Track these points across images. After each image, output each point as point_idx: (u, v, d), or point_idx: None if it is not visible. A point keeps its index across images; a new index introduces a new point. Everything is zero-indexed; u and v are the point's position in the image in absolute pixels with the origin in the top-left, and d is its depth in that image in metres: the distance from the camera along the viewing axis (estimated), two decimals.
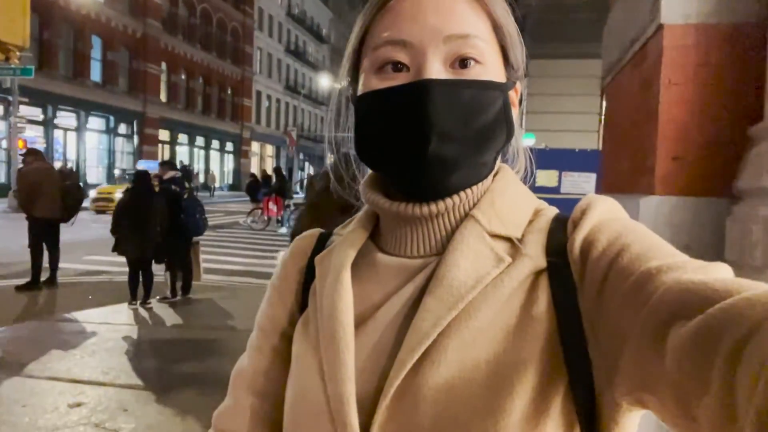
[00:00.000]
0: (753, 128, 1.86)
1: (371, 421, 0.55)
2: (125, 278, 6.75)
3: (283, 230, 15.37)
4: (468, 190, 0.61)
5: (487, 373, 0.52)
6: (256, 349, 0.72)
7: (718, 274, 0.46)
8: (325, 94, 45.48)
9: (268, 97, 44.12)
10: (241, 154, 39.48)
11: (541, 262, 0.56)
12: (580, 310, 0.53)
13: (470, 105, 0.58)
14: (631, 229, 0.53)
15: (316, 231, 0.75)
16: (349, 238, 0.66)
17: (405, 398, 0.53)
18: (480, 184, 0.62)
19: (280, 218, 16.11)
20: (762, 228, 1.67)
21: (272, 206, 16.05)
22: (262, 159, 42.58)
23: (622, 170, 2.60)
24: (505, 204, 0.61)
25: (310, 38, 50.84)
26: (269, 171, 20.13)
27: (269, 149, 44.54)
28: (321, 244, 0.72)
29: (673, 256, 0.49)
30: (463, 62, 0.58)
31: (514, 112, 0.66)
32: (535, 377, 0.51)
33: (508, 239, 0.58)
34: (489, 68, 0.60)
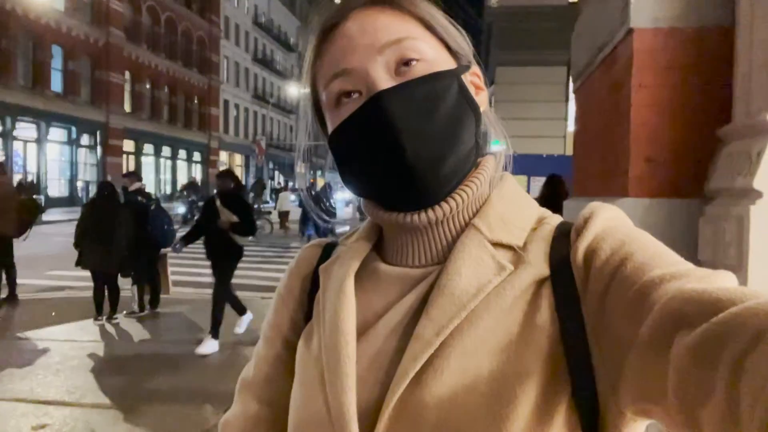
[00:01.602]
0: (722, 129, 1.89)
1: (373, 430, 0.54)
2: (90, 293, 6.56)
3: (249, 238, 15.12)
4: (463, 194, 0.61)
5: (489, 382, 0.52)
6: (262, 357, 0.72)
7: (722, 282, 0.46)
8: (293, 102, 45.21)
9: (236, 106, 43.64)
10: (209, 163, 38.85)
11: (544, 270, 0.56)
12: (583, 318, 0.53)
13: (427, 99, 0.58)
14: (635, 238, 0.53)
15: (323, 240, 0.76)
16: (352, 248, 0.67)
17: (407, 407, 0.53)
18: (474, 187, 0.62)
19: None
20: (735, 227, 1.69)
21: None
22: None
23: (593, 173, 2.62)
24: (507, 212, 0.61)
25: (278, 47, 50.64)
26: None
27: (238, 158, 44.03)
28: (327, 254, 0.72)
29: (677, 265, 0.49)
30: (405, 63, 0.59)
31: (483, 94, 0.66)
32: (537, 386, 0.51)
33: (510, 247, 0.58)
34: (433, 62, 0.60)
